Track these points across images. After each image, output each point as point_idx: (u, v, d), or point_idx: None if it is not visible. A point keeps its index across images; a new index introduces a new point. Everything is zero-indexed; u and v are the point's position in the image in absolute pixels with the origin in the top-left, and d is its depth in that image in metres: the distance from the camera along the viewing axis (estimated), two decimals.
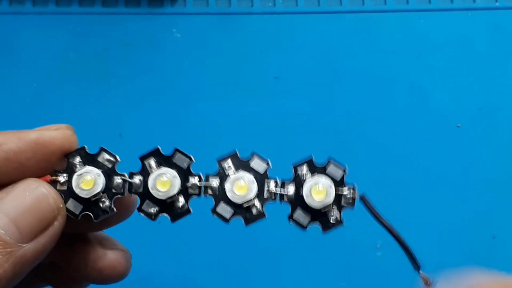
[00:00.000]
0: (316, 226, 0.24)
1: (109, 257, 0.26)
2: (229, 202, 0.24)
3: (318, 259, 0.41)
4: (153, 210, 0.24)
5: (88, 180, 0.24)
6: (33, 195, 0.22)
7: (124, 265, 0.26)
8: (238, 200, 0.24)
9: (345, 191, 0.24)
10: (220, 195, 0.24)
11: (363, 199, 0.24)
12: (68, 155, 0.24)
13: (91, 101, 0.45)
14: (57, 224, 0.23)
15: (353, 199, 0.24)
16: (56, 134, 0.24)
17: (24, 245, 0.21)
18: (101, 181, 0.24)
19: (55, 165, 0.24)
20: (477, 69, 0.47)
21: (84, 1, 0.49)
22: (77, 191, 0.24)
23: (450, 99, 0.46)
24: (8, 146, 0.23)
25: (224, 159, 0.25)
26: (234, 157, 0.25)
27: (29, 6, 0.48)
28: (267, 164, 0.25)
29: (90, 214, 0.24)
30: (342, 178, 0.24)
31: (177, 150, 0.25)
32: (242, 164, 0.25)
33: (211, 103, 0.46)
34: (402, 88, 0.47)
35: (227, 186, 0.24)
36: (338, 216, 0.24)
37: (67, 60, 0.47)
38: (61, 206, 0.23)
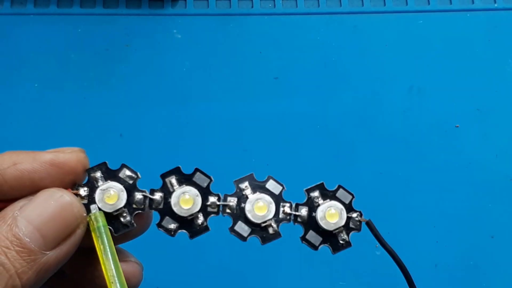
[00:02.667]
0: (326, 247, 0.26)
1: (124, 268, 0.26)
2: (246, 221, 0.25)
3: (318, 258, 0.41)
4: (172, 226, 0.25)
5: (112, 195, 0.25)
6: (58, 203, 0.23)
7: (137, 277, 0.27)
8: (258, 220, 0.25)
9: (353, 215, 0.26)
10: (238, 214, 0.26)
11: (369, 224, 0.26)
12: (89, 169, 0.25)
13: (92, 101, 0.46)
14: (79, 232, 0.24)
15: (360, 223, 0.26)
16: (70, 156, 0.24)
17: (48, 252, 0.22)
18: (124, 197, 0.25)
19: (69, 184, 0.25)
20: (475, 70, 0.47)
21: (85, 2, 0.49)
22: (100, 205, 0.24)
23: (449, 100, 0.46)
24: (23, 165, 0.23)
25: (241, 180, 0.26)
26: (250, 178, 0.26)
27: (31, 7, 0.49)
28: (282, 186, 0.26)
29: (111, 228, 0.25)
30: (350, 202, 0.26)
31: (197, 170, 0.26)
32: (258, 186, 0.26)
33: (211, 103, 0.46)
34: (401, 88, 0.47)
35: (247, 206, 0.25)
36: (346, 238, 0.26)
37: (68, 61, 0.47)
38: (84, 214, 0.24)
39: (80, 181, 0.25)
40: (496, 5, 0.50)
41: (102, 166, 0.25)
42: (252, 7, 0.49)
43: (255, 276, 0.41)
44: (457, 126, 0.45)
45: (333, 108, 0.46)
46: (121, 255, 0.27)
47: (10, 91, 0.46)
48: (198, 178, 0.26)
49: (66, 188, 0.24)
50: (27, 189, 0.24)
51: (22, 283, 0.21)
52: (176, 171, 0.26)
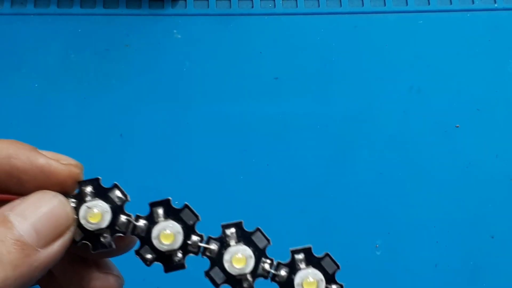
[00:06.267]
0: None
1: (103, 281, 0.26)
2: (223, 269, 0.25)
3: None
4: (149, 256, 0.25)
5: (96, 214, 0.24)
6: (51, 202, 0.23)
7: None
8: (233, 272, 0.24)
9: (333, 286, 0.25)
10: (217, 260, 0.25)
11: None
12: (80, 182, 0.25)
13: (92, 101, 0.46)
14: (69, 234, 0.23)
15: None
16: (62, 168, 0.24)
17: (40, 249, 0.22)
18: (108, 217, 0.24)
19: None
20: (475, 70, 0.47)
21: (85, 2, 0.49)
22: (82, 221, 0.24)
23: (449, 100, 0.46)
24: (15, 161, 0.23)
25: (229, 226, 0.25)
26: (238, 226, 0.25)
27: (31, 7, 0.49)
28: (268, 241, 0.25)
29: (89, 244, 0.24)
30: (334, 273, 0.25)
31: (186, 206, 0.25)
32: (244, 235, 0.25)
33: (211, 103, 0.46)
34: (402, 88, 0.47)
35: (226, 256, 0.25)
36: None
37: (68, 61, 0.47)
38: (75, 216, 0.24)
39: (69, 192, 0.24)
40: (496, 5, 0.50)
41: (95, 182, 0.25)
42: (252, 7, 0.49)
43: None
44: (457, 126, 0.45)
45: (333, 108, 0.46)
46: (104, 266, 0.27)
47: (10, 91, 0.46)
48: (186, 214, 0.25)
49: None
50: (14, 186, 0.23)
51: (15, 275, 0.21)
52: (165, 203, 0.25)
